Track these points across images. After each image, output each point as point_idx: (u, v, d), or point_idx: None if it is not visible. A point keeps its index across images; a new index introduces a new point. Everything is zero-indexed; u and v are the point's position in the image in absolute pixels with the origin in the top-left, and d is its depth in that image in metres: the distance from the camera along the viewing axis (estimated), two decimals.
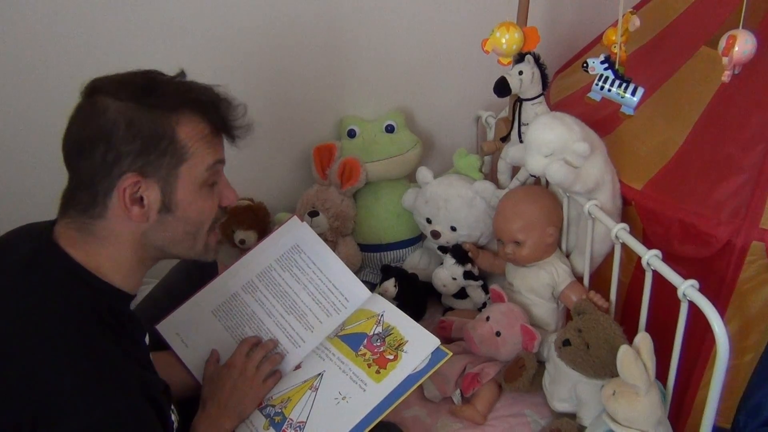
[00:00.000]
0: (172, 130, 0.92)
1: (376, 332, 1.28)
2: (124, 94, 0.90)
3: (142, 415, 0.88)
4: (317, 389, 1.23)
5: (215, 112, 0.97)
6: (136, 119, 0.90)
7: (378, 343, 1.27)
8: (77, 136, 0.91)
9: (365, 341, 1.28)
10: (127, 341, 0.93)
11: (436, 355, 1.22)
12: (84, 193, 0.92)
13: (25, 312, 0.87)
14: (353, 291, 1.38)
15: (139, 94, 0.91)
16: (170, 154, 0.92)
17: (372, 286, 1.67)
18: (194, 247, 1.01)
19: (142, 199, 0.92)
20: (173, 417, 1.02)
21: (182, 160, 0.93)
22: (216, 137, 0.98)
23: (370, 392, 1.20)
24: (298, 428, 1.19)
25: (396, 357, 1.23)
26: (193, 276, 1.41)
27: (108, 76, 0.94)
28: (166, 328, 1.33)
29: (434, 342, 1.24)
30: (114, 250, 0.94)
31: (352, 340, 1.29)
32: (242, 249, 1.81)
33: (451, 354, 1.23)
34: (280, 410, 1.22)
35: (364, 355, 1.25)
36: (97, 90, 0.92)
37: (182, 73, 0.99)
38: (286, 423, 1.20)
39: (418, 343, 1.25)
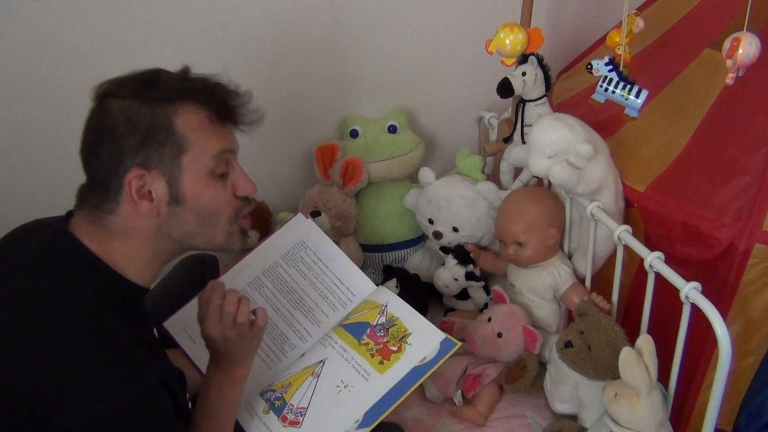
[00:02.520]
0: (169, 121, 0.92)
1: (379, 322, 1.28)
2: (126, 91, 0.93)
3: (158, 401, 0.89)
4: (319, 376, 1.23)
5: (214, 100, 0.97)
6: (133, 114, 0.91)
7: (381, 333, 1.26)
8: (87, 138, 0.94)
9: (368, 330, 1.27)
10: (140, 331, 0.94)
11: (444, 345, 1.22)
12: (97, 192, 0.94)
13: (43, 300, 0.87)
14: (359, 285, 1.39)
15: (139, 88, 0.93)
16: (170, 146, 0.93)
17: None
18: (214, 238, 1.01)
19: (150, 193, 0.93)
20: (188, 405, 1.02)
21: (183, 151, 0.93)
22: (220, 126, 0.98)
23: (373, 382, 1.20)
24: (299, 414, 1.18)
25: (400, 349, 1.23)
26: (194, 275, 1.42)
27: (114, 78, 0.96)
28: (173, 324, 1.33)
29: (439, 335, 1.24)
30: (128, 243, 0.95)
31: (355, 329, 1.29)
32: (244, 248, 1.81)
33: (459, 344, 1.22)
34: (280, 395, 1.22)
35: (367, 344, 1.25)
36: (105, 93, 0.94)
37: (186, 69, 0.99)
38: (286, 408, 1.20)
39: (423, 336, 1.25)
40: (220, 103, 0.97)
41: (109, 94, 0.94)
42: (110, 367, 0.85)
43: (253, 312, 1.10)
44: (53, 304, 0.87)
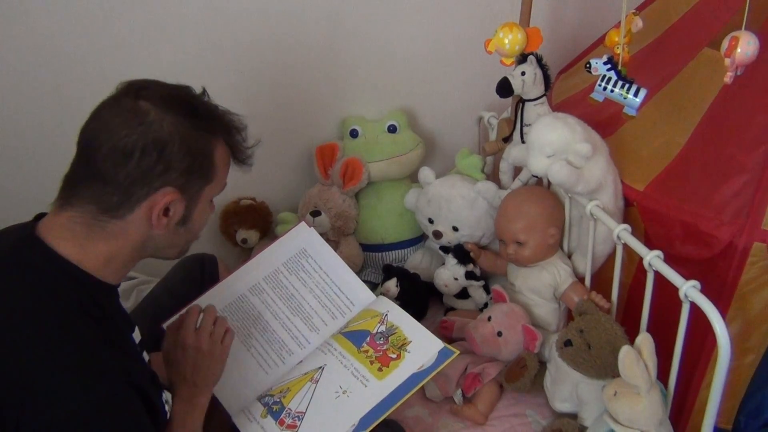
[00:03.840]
0: (212, 153, 0.98)
1: (379, 330, 1.29)
2: (173, 109, 0.93)
3: (125, 403, 0.88)
4: (317, 381, 1.24)
5: (241, 144, 1.04)
6: (188, 137, 0.93)
7: (381, 341, 1.27)
8: (124, 138, 0.90)
9: (368, 338, 1.28)
10: (110, 331, 0.93)
11: (442, 353, 1.23)
12: (115, 195, 0.91)
13: (8, 306, 0.87)
14: (358, 295, 1.39)
15: (187, 112, 0.94)
16: (205, 175, 0.98)
17: (374, 286, 1.67)
18: (182, 251, 1.06)
19: (167, 210, 0.95)
20: (167, 407, 1.03)
21: (209, 181, 0.99)
22: (230, 162, 1.04)
23: (371, 388, 1.20)
24: (296, 418, 1.19)
25: (399, 356, 1.24)
26: (194, 275, 1.42)
27: (150, 82, 0.96)
28: None
29: (438, 344, 1.25)
30: (115, 247, 0.94)
31: (355, 337, 1.30)
32: (244, 248, 1.82)
33: (458, 353, 1.23)
34: (278, 399, 1.23)
35: (367, 351, 1.26)
36: (140, 95, 0.93)
37: (205, 92, 1.03)
38: (284, 412, 1.20)
39: (422, 345, 1.26)
40: (244, 148, 1.05)
41: (148, 99, 0.92)
42: (74, 369, 0.85)
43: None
44: (19, 309, 0.87)
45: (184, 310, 1.21)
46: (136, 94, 0.93)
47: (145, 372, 0.98)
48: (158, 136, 0.90)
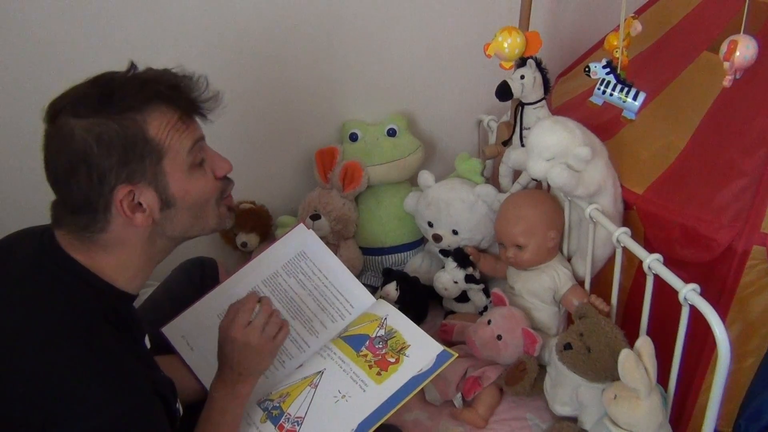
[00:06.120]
0: (143, 131, 0.90)
1: (378, 335, 1.29)
2: (84, 110, 0.88)
3: (152, 411, 0.89)
4: (317, 386, 1.24)
5: (179, 97, 0.94)
6: (104, 133, 0.87)
7: (380, 345, 1.27)
8: (56, 165, 0.90)
9: (367, 343, 1.28)
10: (130, 341, 0.94)
11: (441, 356, 1.23)
12: (83, 216, 0.91)
13: (32, 314, 0.87)
14: (358, 297, 1.39)
15: (98, 105, 0.88)
16: (149, 155, 0.90)
17: (373, 290, 1.67)
18: (206, 225, 1.01)
19: (141, 204, 0.92)
20: (179, 413, 1.03)
21: (161, 157, 0.92)
22: (187, 119, 0.96)
23: (370, 393, 1.20)
24: (296, 423, 1.19)
25: (398, 360, 1.24)
26: (194, 279, 1.42)
27: (63, 94, 0.92)
28: (172, 331, 1.34)
29: (437, 348, 1.25)
30: (120, 255, 0.94)
31: (354, 341, 1.30)
32: (244, 252, 1.82)
33: (456, 355, 1.23)
34: (278, 404, 1.23)
35: (366, 356, 1.26)
36: (57, 112, 0.89)
37: (134, 66, 0.96)
38: (284, 417, 1.20)
39: (421, 348, 1.26)
40: (186, 100, 0.95)
41: (63, 112, 0.88)
42: (105, 379, 0.85)
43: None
44: (45, 317, 0.86)
45: (238, 301, 1.15)
46: (52, 116, 0.90)
47: (166, 380, 0.98)
48: (75, 149, 0.87)
